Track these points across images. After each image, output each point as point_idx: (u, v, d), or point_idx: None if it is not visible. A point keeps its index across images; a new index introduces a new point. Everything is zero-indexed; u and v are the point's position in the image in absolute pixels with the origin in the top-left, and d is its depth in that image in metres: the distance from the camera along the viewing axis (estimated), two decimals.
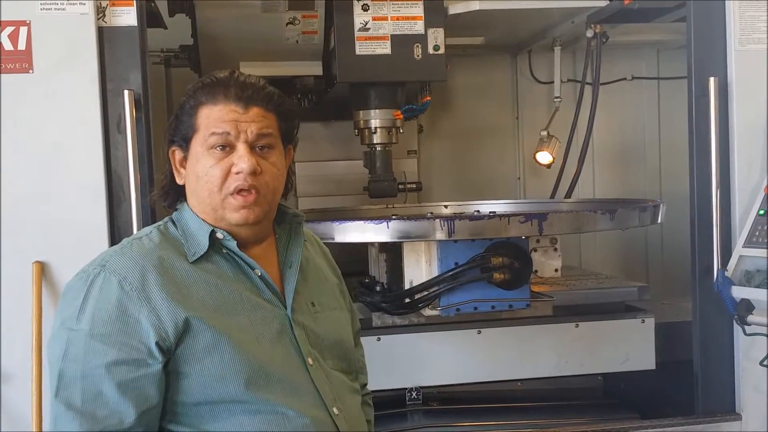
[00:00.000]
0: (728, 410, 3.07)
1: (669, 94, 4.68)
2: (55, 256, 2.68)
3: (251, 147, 1.74)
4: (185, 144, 1.77)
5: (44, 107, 2.67)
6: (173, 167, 1.81)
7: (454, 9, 3.35)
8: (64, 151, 2.68)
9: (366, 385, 2.12)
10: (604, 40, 3.93)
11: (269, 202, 1.79)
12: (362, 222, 2.65)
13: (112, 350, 1.58)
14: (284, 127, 1.82)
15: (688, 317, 3.17)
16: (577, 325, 3.20)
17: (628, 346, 3.22)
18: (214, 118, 1.73)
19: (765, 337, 2.84)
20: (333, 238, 2.65)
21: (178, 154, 1.80)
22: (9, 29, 2.64)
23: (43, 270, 2.66)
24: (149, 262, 1.68)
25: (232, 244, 1.76)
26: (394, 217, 2.74)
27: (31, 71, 2.66)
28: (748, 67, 2.98)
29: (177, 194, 1.84)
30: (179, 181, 1.81)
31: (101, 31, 2.71)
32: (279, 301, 1.80)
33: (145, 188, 2.72)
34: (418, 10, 3.27)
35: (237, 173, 1.72)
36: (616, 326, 3.25)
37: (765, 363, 2.87)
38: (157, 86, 3.99)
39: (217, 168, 1.72)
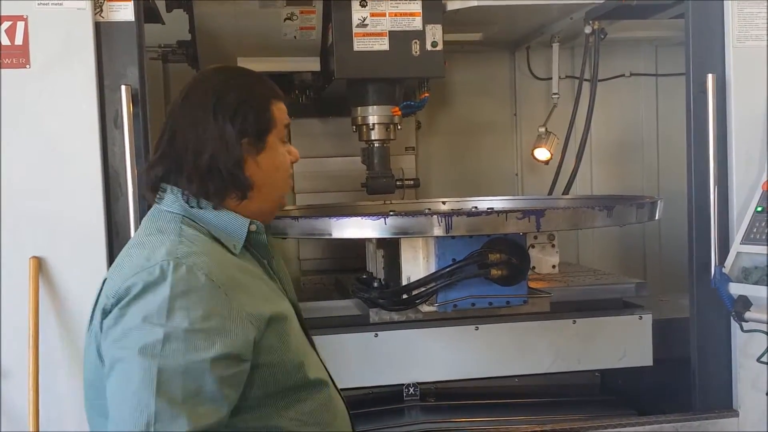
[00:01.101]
0: (725, 407, 3.07)
1: (667, 91, 4.69)
2: (52, 251, 2.68)
3: None
4: (261, 137, 1.80)
5: (41, 102, 2.66)
6: (246, 162, 1.78)
7: (453, 5, 3.34)
8: (62, 147, 2.68)
9: None
10: (602, 36, 3.93)
11: None
12: (360, 218, 2.64)
13: (215, 345, 1.54)
14: None
15: (685, 314, 3.18)
16: (574, 322, 3.20)
17: (625, 343, 3.23)
18: (283, 111, 1.86)
19: (762, 334, 2.84)
20: (330, 234, 2.65)
21: (249, 147, 1.79)
22: (6, 24, 2.63)
23: (40, 265, 2.66)
24: (216, 258, 1.67)
25: (263, 237, 1.84)
26: (391, 213, 2.73)
27: (28, 66, 2.65)
28: (746, 63, 2.98)
29: (220, 190, 1.77)
30: (248, 172, 1.78)
31: (98, 26, 2.70)
32: (281, 288, 1.91)
33: (142, 184, 2.71)
34: (417, 7, 3.27)
35: (293, 161, 1.91)
36: (613, 323, 3.25)
37: (762, 360, 2.87)
38: (154, 82, 3.99)
39: (286, 156, 1.89)
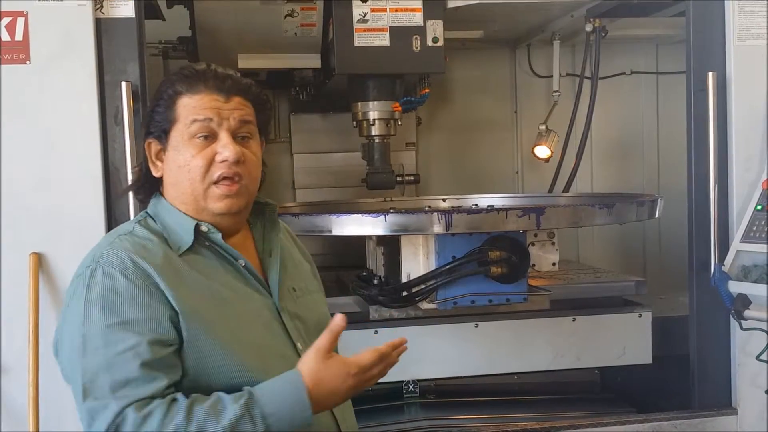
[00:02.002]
0: (724, 404, 3.08)
1: (668, 89, 4.68)
2: (52, 247, 2.68)
3: (233, 136, 1.75)
4: (163, 135, 1.76)
5: (41, 99, 2.66)
6: (149, 160, 1.80)
7: (453, 3, 3.34)
8: (62, 143, 2.67)
9: None
10: (603, 34, 3.93)
11: (251, 192, 1.81)
12: (360, 215, 2.64)
13: (129, 337, 1.58)
14: (260, 118, 1.83)
15: (685, 312, 3.18)
16: (574, 319, 3.20)
17: (624, 340, 3.23)
18: (194, 106, 1.73)
19: (762, 332, 2.84)
20: (331, 231, 2.65)
21: (154, 146, 1.79)
22: (6, 20, 2.63)
23: (40, 261, 2.66)
24: (143, 254, 1.67)
25: (217, 236, 1.76)
26: (392, 210, 2.74)
27: (28, 62, 2.65)
28: (747, 62, 2.98)
29: (152, 188, 1.83)
30: (156, 173, 1.80)
31: (99, 23, 2.70)
32: (264, 290, 1.82)
33: None
34: (417, 2, 3.27)
35: (222, 162, 1.72)
36: (613, 320, 3.26)
37: (762, 357, 2.87)
38: (155, 78, 3.98)
39: (199, 157, 1.72)
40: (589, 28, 3.89)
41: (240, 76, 1.81)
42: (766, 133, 2.98)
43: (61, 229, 2.68)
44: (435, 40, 3.29)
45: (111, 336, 1.58)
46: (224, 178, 1.73)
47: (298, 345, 1.79)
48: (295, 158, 4.46)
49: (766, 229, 2.80)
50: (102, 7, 2.70)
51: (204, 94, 1.73)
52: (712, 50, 3.00)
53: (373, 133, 3.56)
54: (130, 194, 2.65)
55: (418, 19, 3.28)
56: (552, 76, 4.45)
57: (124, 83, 2.68)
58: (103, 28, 2.71)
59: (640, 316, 3.25)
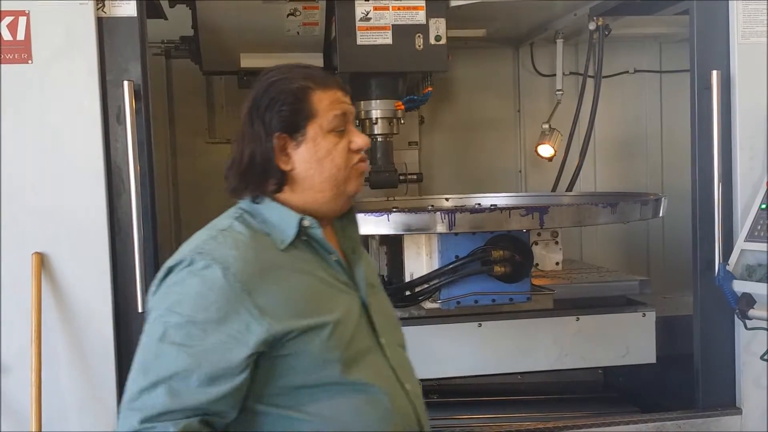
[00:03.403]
0: (728, 404, 3.07)
1: (671, 88, 4.67)
2: (54, 247, 2.67)
3: None
4: (295, 129, 1.78)
5: (44, 98, 2.65)
6: (276, 154, 1.79)
7: (456, 1, 3.33)
8: (64, 142, 2.67)
9: None
10: (606, 33, 3.92)
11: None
12: (363, 215, 2.64)
13: (207, 337, 1.59)
14: None
15: (689, 311, 3.17)
16: (577, 319, 3.19)
17: (628, 340, 3.22)
18: (331, 101, 1.81)
19: (766, 332, 2.83)
20: None
21: (282, 140, 1.79)
22: (8, 19, 2.63)
23: (42, 261, 2.66)
24: (247, 252, 1.68)
25: (318, 231, 1.78)
26: (395, 209, 2.73)
27: (30, 62, 2.65)
28: (750, 60, 2.97)
29: (261, 182, 1.81)
30: (285, 166, 1.79)
31: (101, 22, 2.69)
32: (352, 284, 1.84)
33: (144, 179, 2.71)
34: (420, 1, 3.26)
35: (357, 150, 1.82)
36: (616, 320, 3.25)
37: (766, 357, 2.86)
38: (157, 77, 3.99)
39: (340, 147, 1.80)
40: (592, 26, 3.88)
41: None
42: None
43: (64, 228, 2.67)
44: (438, 38, 3.28)
45: (190, 331, 1.60)
46: (359, 161, 1.84)
47: (382, 340, 1.83)
48: None
49: None
50: (104, 6, 2.70)
51: (333, 90, 1.83)
52: (715, 49, 2.99)
53: (375, 132, 3.55)
54: (132, 193, 2.66)
55: (420, 17, 3.27)
56: (555, 74, 4.44)
57: (126, 82, 2.67)
58: (105, 27, 2.70)
59: (644, 315, 3.24)
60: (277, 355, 1.65)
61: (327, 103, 1.80)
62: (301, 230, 1.76)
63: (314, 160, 1.79)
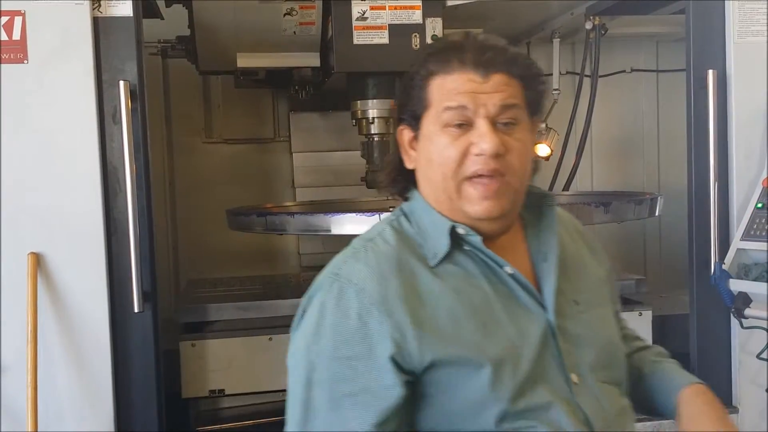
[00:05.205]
0: (725, 403, 3.03)
1: (668, 87, 4.68)
2: (50, 247, 2.67)
3: (493, 123, 1.44)
4: (415, 122, 1.50)
5: (39, 98, 2.65)
6: (401, 149, 1.56)
7: (453, 1, 3.33)
8: (60, 142, 2.67)
9: (643, 342, 1.84)
10: (602, 32, 3.92)
11: (516, 189, 1.48)
12: (355, 214, 2.64)
13: (358, 376, 1.34)
14: (531, 96, 1.50)
15: (685, 310, 3.17)
16: None
17: None
18: (447, 89, 1.45)
19: (762, 330, 2.84)
20: (327, 231, 2.65)
21: (407, 134, 1.54)
22: (4, 19, 2.63)
23: (38, 261, 2.65)
24: (388, 269, 1.41)
25: (476, 239, 1.46)
26: (391, 209, 2.73)
27: (26, 61, 2.64)
28: (747, 59, 2.97)
29: (406, 180, 1.58)
30: (408, 165, 1.55)
31: (96, 21, 2.69)
32: (536, 303, 1.48)
33: (140, 179, 2.71)
34: (417, 0, 3.26)
35: (478, 155, 1.43)
36: None
37: (762, 356, 2.86)
38: (154, 77, 3.99)
39: (452, 148, 1.44)
40: (588, 26, 3.88)
41: (504, 45, 1.50)
42: (766, 131, 2.97)
43: (60, 228, 2.67)
44: (434, 37, 3.28)
45: (338, 372, 1.36)
46: (480, 176, 1.43)
47: (573, 377, 1.44)
48: (295, 157, 4.46)
49: (766, 227, 2.79)
50: (100, 6, 2.69)
51: (458, 73, 1.45)
52: (712, 48, 2.99)
53: (372, 132, 3.55)
54: (128, 193, 2.66)
55: (417, 16, 3.27)
56: (552, 74, 4.43)
57: (122, 82, 2.67)
58: (101, 27, 2.70)
59: (640, 314, 3.24)
60: (418, 393, 1.38)
61: (445, 90, 1.45)
62: (459, 238, 1.47)
63: (425, 162, 1.50)
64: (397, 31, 3.25)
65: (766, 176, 2.89)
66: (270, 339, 3.18)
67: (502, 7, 3.57)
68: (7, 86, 2.63)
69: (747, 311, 2.80)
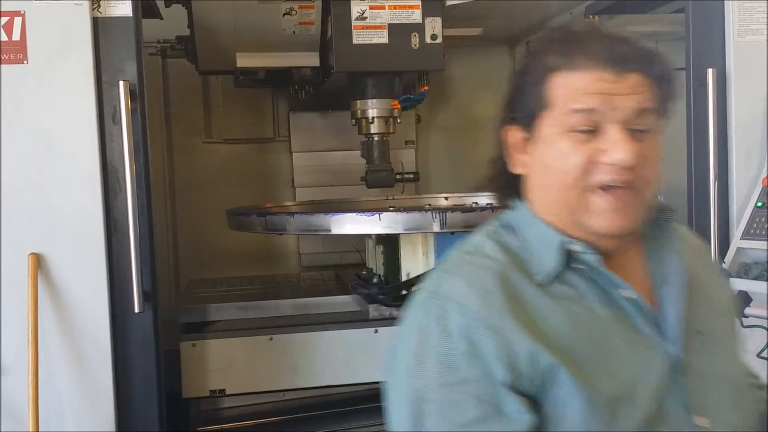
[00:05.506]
0: None
1: None
2: (51, 248, 2.67)
3: (626, 129, 1.28)
4: (530, 123, 1.33)
5: (39, 98, 2.65)
6: (508, 151, 1.40)
7: (452, 0, 3.33)
8: (60, 143, 2.67)
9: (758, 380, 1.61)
10: None
11: (646, 203, 1.32)
12: (355, 214, 2.64)
13: (471, 403, 1.20)
14: (664, 99, 1.35)
15: None
16: None
17: None
18: (574, 89, 1.28)
19: (762, 329, 2.84)
20: (327, 231, 2.65)
21: (515, 135, 1.37)
22: (4, 20, 2.62)
23: (39, 262, 2.65)
24: (491, 285, 1.27)
25: (594, 258, 1.29)
26: (391, 208, 2.73)
27: (25, 62, 2.64)
28: (746, 58, 2.97)
29: (509, 187, 1.43)
30: (517, 169, 1.39)
31: (96, 22, 2.69)
32: (655, 333, 1.30)
33: (140, 179, 2.71)
34: (416, 0, 3.26)
35: (610, 164, 1.26)
36: None
37: (762, 355, 2.86)
38: (153, 77, 3.99)
39: (577, 155, 1.27)
40: None
41: (636, 39, 1.33)
42: (766, 130, 2.97)
43: (60, 229, 2.67)
44: (434, 37, 3.28)
45: (448, 400, 1.21)
46: (608, 187, 1.27)
47: (699, 420, 1.27)
48: (295, 157, 4.46)
49: (766, 226, 2.79)
50: (99, 6, 2.69)
51: (586, 70, 1.27)
52: (711, 47, 2.99)
53: (372, 131, 3.55)
54: (128, 193, 2.66)
55: (416, 16, 3.27)
56: None
57: (121, 82, 2.67)
58: (100, 27, 2.69)
59: None
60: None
61: (570, 90, 1.28)
62: (571, 256, 1.31)
63: (540, 168, 1.32)
64: (397, 30, 3.25)
65: (766, 175, 2.89)
66: (270, 339, 3.18)
67: (502, 6, 3.57)
68: (6, 87, 2.63)
69: (747, 310, 2.80)
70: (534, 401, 1.20)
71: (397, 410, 1.28)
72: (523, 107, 1.35)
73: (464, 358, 1.21)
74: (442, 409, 1.21)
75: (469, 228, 2.66)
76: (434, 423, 1.21)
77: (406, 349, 1.28)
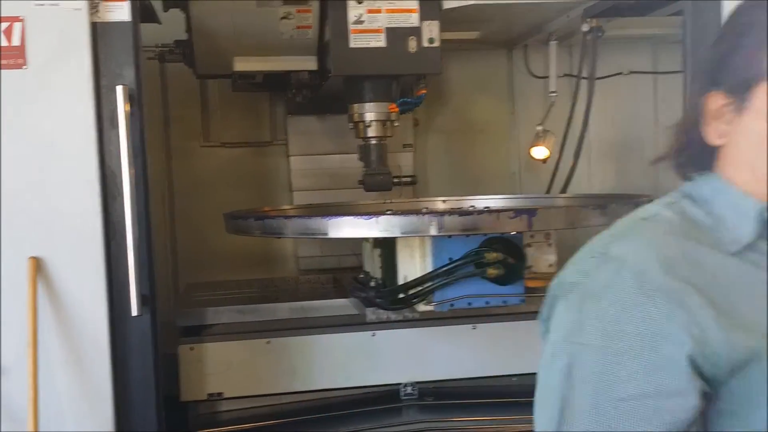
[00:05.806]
0: None
1: (665, 89, 4.68)
2: (50, 251, 2.68)
3: None
4: (742, 91, 1.19)
5: (38, 102, 2.66)
6: (705, 118, 1.26)
7: (449, 4, 3.34)
8: (58, 147, 2.68)
9: None
10: (599, 34, 3.92)
11: None
12: (352, 218, 2.64)
13: (635, 376, 1.10)
14: None
15: None
16: None
17: None
18: None
19: None
20: (324, 234, 2.65)
21: (718, 101, 1.23)
22: (4, 25, 2.64)
23: (38, 265, 2.66)
24: (671, 251, 1.16)
25: None
26: (389, 212, 2.74)
27: (25, 67, 2.65)
28: None
29: (697, 156, 1.31)
30: (716, 140, 1.26)
31: (95, 26, 2.70)
32: None
33: (139, 183, 2.72)
34: (413, 3, 3.26)
35: None
36: None
37: None
38: (152, 81, 4.00)
39: None
40: (585, 28, 3.88)
41: None
42: None
43: (59, 233, 2.68)
44: (431, 40, 3.29)
45: (607, 369, 1.12)
46: None
47: None
48: (292, 160, 4.46)
49: None
50: (98, 11, 2.70)
51: None
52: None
53: (369, 135, 3.55)
54: (127, 197, 2.66)
55: (414, 20, 3.28)
56: (549, 76, 4.45)
57: (120, 87, 2.68)
58: (98, 32, 2.71)
59: None
60: (708, 416, 1.14)
61: None
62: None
63: (754, 143, 1.19)
64: (394, 34, 3.25)
65: None
66: (268, 342, 3.19)
67: (499, 9, 3.57)
68: (6, 91, 2.64)
69: None
70: (720, 389, 1.11)
71: (548, 372, 1.21)
72: (736, 72, 1.20)
73: (634, 328, 1.12)
74: (596, 380, 1.13)
75: (467, 231, 2.67)
76: (583, 391, 1.14)
77: (563, 311, 1.20)
